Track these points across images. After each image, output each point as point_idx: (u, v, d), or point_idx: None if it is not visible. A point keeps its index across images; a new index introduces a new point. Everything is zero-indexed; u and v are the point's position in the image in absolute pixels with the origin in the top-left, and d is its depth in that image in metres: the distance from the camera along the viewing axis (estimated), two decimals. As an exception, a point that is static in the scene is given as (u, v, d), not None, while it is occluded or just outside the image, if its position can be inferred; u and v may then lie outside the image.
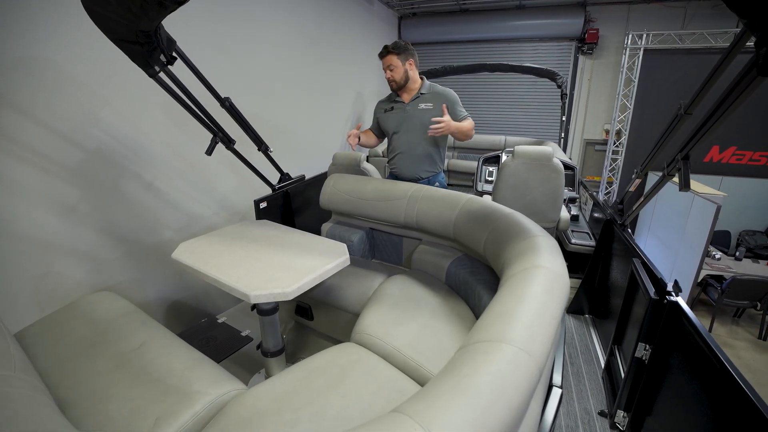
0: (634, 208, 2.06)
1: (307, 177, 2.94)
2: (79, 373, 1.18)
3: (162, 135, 2.56)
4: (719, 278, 4.77)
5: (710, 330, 4.67)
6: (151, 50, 1.54)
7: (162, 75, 1.71)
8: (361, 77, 5.41)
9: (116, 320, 1.44)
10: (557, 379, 1.13)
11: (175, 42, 1.69)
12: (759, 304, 4.51)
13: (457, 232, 1.78)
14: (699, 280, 4.82)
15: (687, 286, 4.96)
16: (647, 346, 1.56)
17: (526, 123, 6.88)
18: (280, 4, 3.66)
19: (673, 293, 1.52)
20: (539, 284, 1.02)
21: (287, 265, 1.35)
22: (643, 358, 1.57)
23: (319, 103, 4.60)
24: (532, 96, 6.72)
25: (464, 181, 5.73)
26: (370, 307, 1.54)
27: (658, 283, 1.60)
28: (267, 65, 3.58)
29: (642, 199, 1.95)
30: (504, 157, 3.27)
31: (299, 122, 4.24)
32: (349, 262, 1.45)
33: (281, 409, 1.01)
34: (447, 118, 2.01)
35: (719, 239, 5.79)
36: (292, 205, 2.70)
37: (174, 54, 1.70)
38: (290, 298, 1.19)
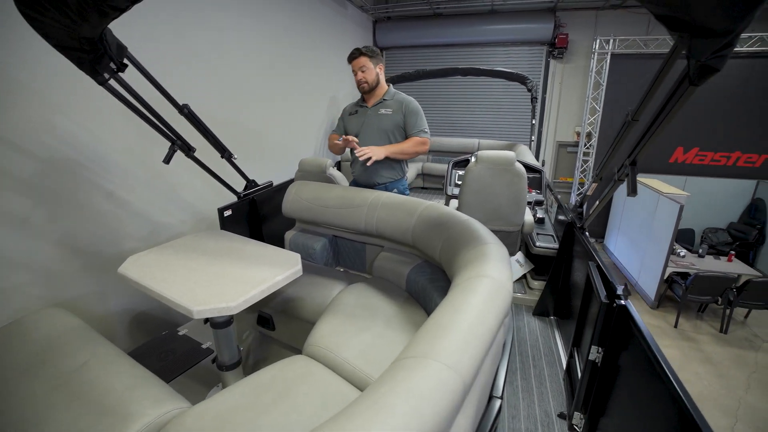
0: (590, 212, 2.11)
1: (278, 183, 2.91)
2: (14, 397, 1.13)
3: (122, 142, 2.49)
4: (685, 275, 4.95)
5: (676, 325, 4.83)
6: (98, 57, 1.50)
7: (113, 82, 1.67)
8: (335, 81, 5.39)
9: (60, 338, 1.39)
10: (500, 389, 1.15)
11: (125, 48, 1.65)
12: (720, 299, 4.69)
13: (416, 239, 1.79)
14: (665, 277, 4.99)
15: (654, 283, 5.13)
16: (599, 349, 1.59)
17: (499, 126, 6.98)
18: (249, 8, 3.62)
19: (622, 297, 1.56)
20: (480, 295, 1.03)
21: (237, 278, 1.33)
22: (596, 361, 1.60)
23: (292, 107, 4.56)
24: (504, 99, 6.83)
25: (438, 185, 5.78)
26: (324, 317, 1.53)
27: (610, 287, 1.64)
28: (236, 70, 3.54)
29: (597, 203, 2.00)
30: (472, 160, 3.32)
31: (272, 127, 4.20)
32: (301, 273, 1.44)
33: (222, 428, 0.99)
34: (371, 148, 2.04)
35: (684, 237, 6.01)
36: (259, 212, 2.66)
37: (125, 61, 1.66)
38: (235, 312, 1.17)
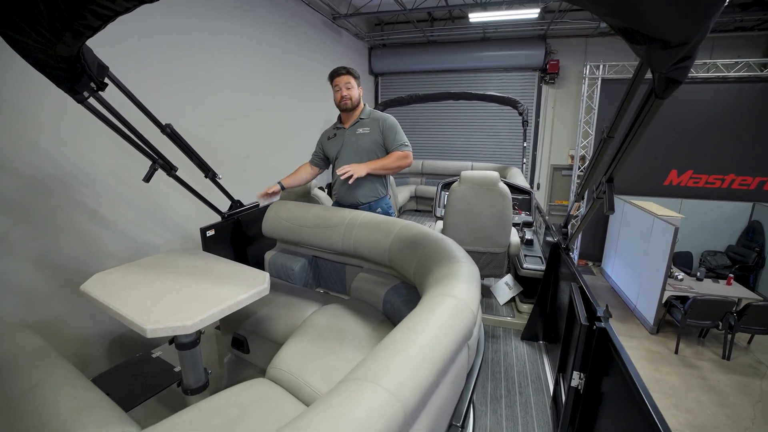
0: (573, 232, 2.08)
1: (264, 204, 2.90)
2: (-45, 421, 1.07)
3: (108, 161, 2.50)
4: (684, 299, 4.84)
5: (676, 351, 4.68)
6: (75, 76, 1.51)
7: (93, 101, 1.68)
8: (329, 105, 5.42)
9: (17, 359, 1.34)
10: (461, 416, 1.08)
11: (107, 68, 1.66)
12: (721, 324, 4.57)
13: (392, 259, 1.75)
14: (664, 301, 4.88)
15: (653, 308, 5.02)
16: (581, 374, 1.52)
17: (492, 149, 7.05)
18: (241, 33, 3.72)
19: (602, 319, 1.50)
20: (439, 316, 0.99)
21: (198, 296, 1.29)
22: (579, 388, 1.53)
23: (286, 130, 4.62)
24: (498, 123, 6.92)
25: (431, 207, 5.77)
26: (292, 339, 1.48)
27: (591, 309, 1.58)
28: (228, 94, 3.60)
29: (579, 222, 1.97)
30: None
31: (264, 150, 4.24)
32: (267, 292, 1.40)
33: (164, 456, 0.93)
34: (352, 166, 2.05)
35: (682, 260, 5.92)
36: (244, 233, 2.63)
37: (105, 80, 1.68)
38: (190, 331, 1.13)
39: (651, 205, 5.62)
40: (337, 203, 2.39)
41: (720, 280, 5.25)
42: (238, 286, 1.36)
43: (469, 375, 1.21)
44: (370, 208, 2.27)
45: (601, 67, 6.06)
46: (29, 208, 2.10)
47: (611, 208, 1.58)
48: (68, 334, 2.33)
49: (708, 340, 5.01)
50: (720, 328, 4.63)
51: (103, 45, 2.33)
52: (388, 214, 2.33)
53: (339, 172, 2.02)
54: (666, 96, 1.15)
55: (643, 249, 5.32)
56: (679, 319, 4.67)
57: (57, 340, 2.24)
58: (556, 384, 1.95)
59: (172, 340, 1.49)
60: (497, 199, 2.43)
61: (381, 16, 6.42)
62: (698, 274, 5.23)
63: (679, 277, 5.13)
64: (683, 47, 0.88)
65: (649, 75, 1.26)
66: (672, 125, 5.98)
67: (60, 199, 2.25)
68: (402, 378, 0.74)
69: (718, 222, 6.04)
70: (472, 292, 1.17)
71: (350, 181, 2.02)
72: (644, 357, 4.70)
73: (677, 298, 4.89)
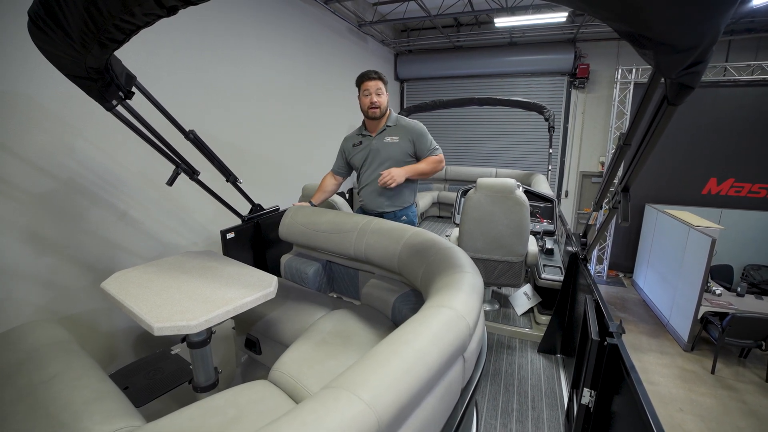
0: (590, 243, 2.00)
1: (284, 208, 2.96)
2: (-17, 404, 1.16)
3: (138, 165, 2.62)
4: (723, 315, 4.54)
5: (713, 371, 4.40)
6: (105, 85, 1.60)
7: (121, 108, 1.77)
8: (354, 110, 5.51)
9: (40, 350, 1.43)
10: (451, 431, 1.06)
11: (134, 78, 1.76)
12: (764, 344, 4.25)
13: (401, 266, 1.75)
14: (699, 316, 4.61)
15: (687, 323, 4.75)
16: (592, 392, 1.46)
17: (518, 155, 6.91)
18: (267, 41, 3.83)
19: (615, 335, 1.43)
20: (431, 328, 0.98)
21: (206, 297, 1.34)
22: (589, 406, 1.47)
23: (311, 136, 4.70)
24: (524, 129, 6.78)
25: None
26: (296, 343, 1.50)
27: (603, 324, 1.52)
28: (254, 99, 3.72)
29: (596, 233, 1.90)
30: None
31: (289, 155, 4.33)
32: (273, 295, 1.43)
33: (162, 451, 0.97)
34: (392, 171, 2.01)
35: (721, 274, 5.56)
36: (264, 236, 2.68)
37: (132, 89, 1.77)
38: (195, 331, 1.17)
39: (687, 215, 5.32)
40: (362, 210, 2.37)
41: (764, 297, 4.89)
42: (244, 289, 1.40)
43: (464, 389, 1.19)
44: (395, 216, 2.24)
45: (634, 70, 5.83)
46: (64, 208, 2.23)
47: (626, 219, 1.52)
48: (99, 329, 2.45)
49: (750, 360, 4.67)
50: (764, 348, 4.31)
51: (138, 53, 2.47)
52: (412, 222, 2.29)
53: (380, 180, 1.99)
54: (679, 102, 1.10)
55: (677, 261, 5.05)
56: (716, 337, 4.39)
57: (88, 334, 2.38)
58: (570, 400, 1.88)
59: (185, 338, 1.55)
60: (514, 207, 2.38)
61: (407, 23, 6.45)
62: (739, 289, 4.89)
63: (717, 291, 4.82)
64: (692, 51, 0.84)
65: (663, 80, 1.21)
66: (711, 131, 5.65)
67: (92, 200, 2.39)
68: (381, 389, 0.74)
69: (763, 234, 5.64)
70: (471, 303, 1.15)
71: (392, 185, 1.99)
72: (677, 375, 4.44)
73: (715, 314, 4.59)
